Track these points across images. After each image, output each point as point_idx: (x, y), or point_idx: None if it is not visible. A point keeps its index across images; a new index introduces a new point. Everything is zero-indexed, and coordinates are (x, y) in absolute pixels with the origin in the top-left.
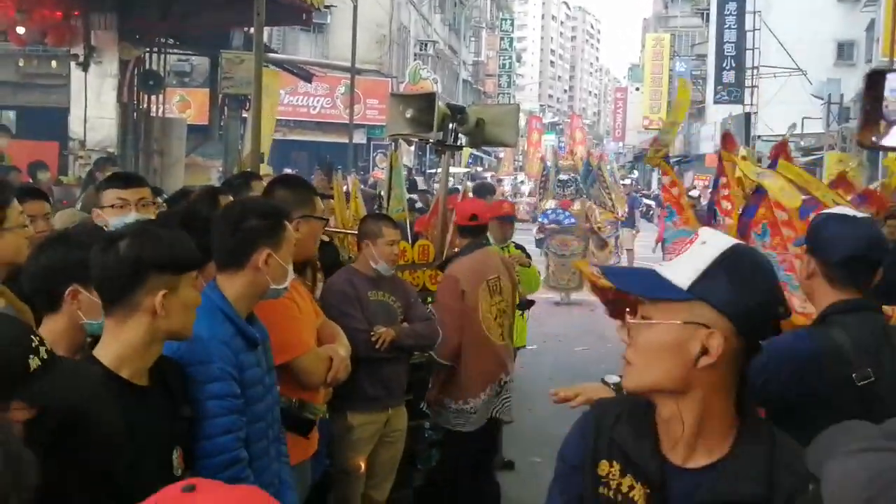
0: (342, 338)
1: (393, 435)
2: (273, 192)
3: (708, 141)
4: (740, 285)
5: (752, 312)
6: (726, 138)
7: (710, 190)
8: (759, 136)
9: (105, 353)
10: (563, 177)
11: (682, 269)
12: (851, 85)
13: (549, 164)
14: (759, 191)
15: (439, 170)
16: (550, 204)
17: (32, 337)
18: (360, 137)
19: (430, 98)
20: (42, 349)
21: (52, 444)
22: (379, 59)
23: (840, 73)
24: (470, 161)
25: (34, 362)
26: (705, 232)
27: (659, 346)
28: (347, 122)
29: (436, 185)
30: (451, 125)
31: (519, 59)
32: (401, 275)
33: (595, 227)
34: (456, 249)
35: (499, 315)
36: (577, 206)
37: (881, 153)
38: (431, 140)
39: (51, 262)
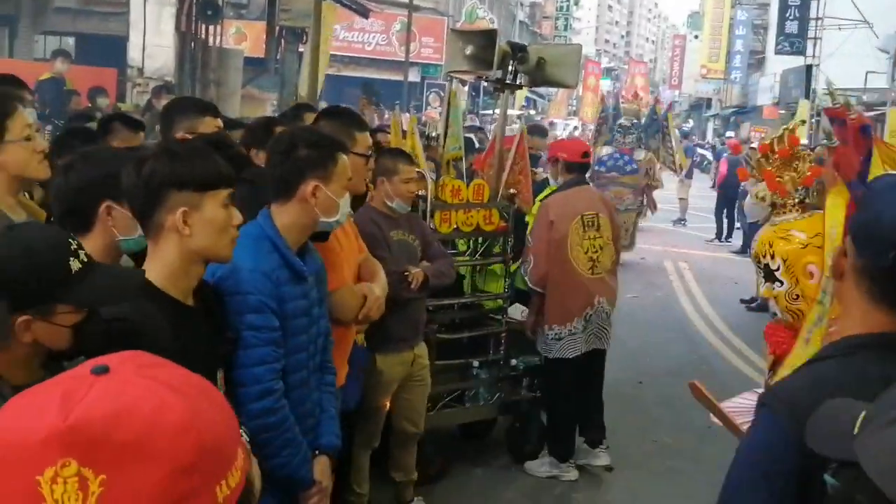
0: (381, 277)
1: (421, 373)
2: (317, 124)
3: (766, 92)
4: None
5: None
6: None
7: None
8: (820, 90)
9: (150, 272)
10: (623, 122)
11: None
12: None
13: (609, 105)
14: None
15: (493, 111)
16: (606, 150)
17: (70, 241)
18: (414, 76)
19: (490, 35)
20: (81, 252)
21: (102, 350)
22: None
23: None
24: (524, 104)
25: (75, 264)
26: None
27: None
28: (402, 59)
29: (489, 126)
30: (510, 64)
31: (577, 2)
32: (455, 213)
33: (652, 182)
34: (512, 190)
35: (592, 249)
36: (639, 155)
37: None
38: (490, 78)
39: (80, 180)
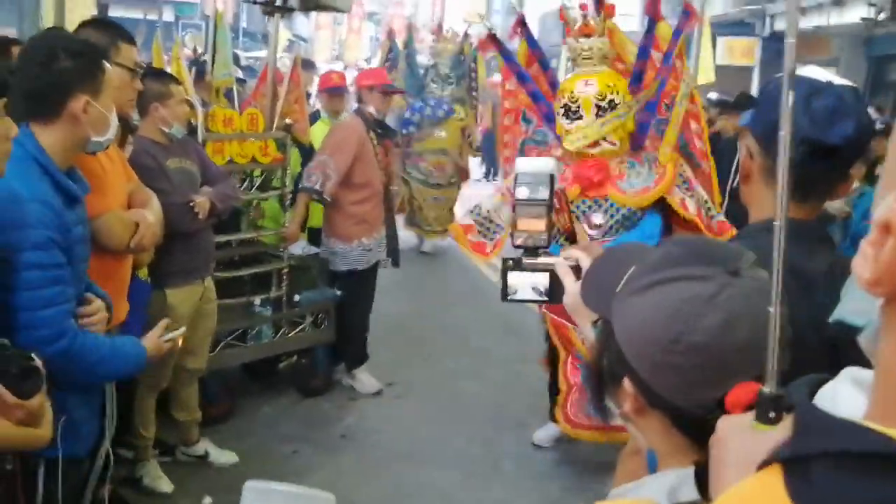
0: (154, 204)
1: (207, 307)
2: (79, 33)
3: None
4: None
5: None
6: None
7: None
8: None
9: None
10: (442, 68)
11: None
12: None
13: (397, 42)
14: (667, 59)
15: (257, 52)
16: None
17: None
18: (168, 15)
19: None
20: None
21: None
22: None
23: None
24: (286, 47)
25: None
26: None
27: None
28: None
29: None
30: None
31: None
32: (228, 145)
33: (473, 146)
34: (288, 120)
35: None
36: (459, 113)
37: None
38: (260, 0)
39: None
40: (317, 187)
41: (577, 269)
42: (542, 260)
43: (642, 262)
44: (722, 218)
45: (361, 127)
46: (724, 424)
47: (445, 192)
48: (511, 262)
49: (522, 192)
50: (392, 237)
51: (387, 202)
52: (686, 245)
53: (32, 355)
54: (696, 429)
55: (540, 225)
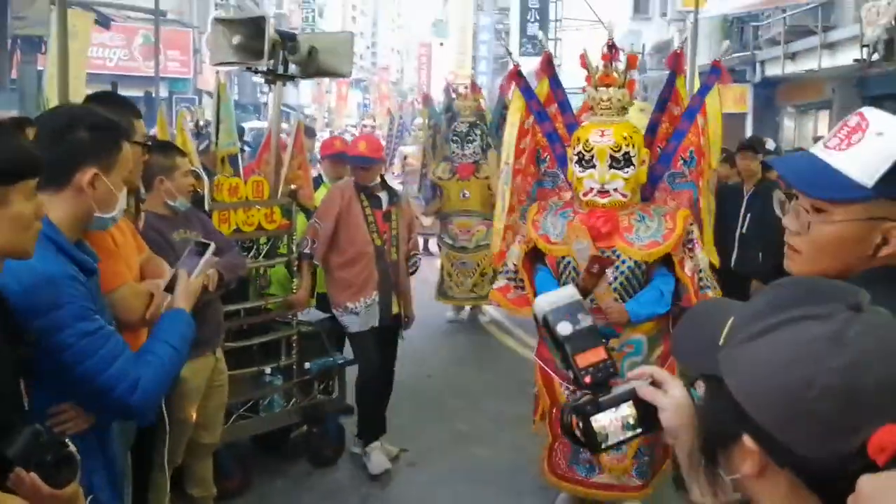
0: (167, 273)
1: (220, 379)
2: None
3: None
4: None
5: None
6: (678, 58)
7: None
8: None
9: None
10: (460, 126)
11: (863, 165)
12: (647, 37)
13: (440, 106)
14: (689, 115)
15: (250, 123)
16: (442, 168)
17: None
18: (162, 92)
19: (259, 22)
20: None
21: None
22: (178, 7)
23: (638, 26)
24: None
25: None
26: (876, 119)
27: (838, 240)
28: (147, 75)
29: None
30: (281, 53)
31: (321, 14)
32: (234, 213)
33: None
34: (293, 186)
35: None
36: (484, 170)
37: None
38: (261, 69)
39: None
40: (306, 251)
41: (655, 385)
42: (619, 391)
43: (740, 311)
44: (711, 294)
45: (350, 190)
46: (868, 484)
47: (473, 257)
48: (588, 407)
49: (565, 328)
50: (385, 303)
51: (380, 265)
52: (796, 286)
53: (67, 441)
54: (828, 488)
55: (600, 353)
